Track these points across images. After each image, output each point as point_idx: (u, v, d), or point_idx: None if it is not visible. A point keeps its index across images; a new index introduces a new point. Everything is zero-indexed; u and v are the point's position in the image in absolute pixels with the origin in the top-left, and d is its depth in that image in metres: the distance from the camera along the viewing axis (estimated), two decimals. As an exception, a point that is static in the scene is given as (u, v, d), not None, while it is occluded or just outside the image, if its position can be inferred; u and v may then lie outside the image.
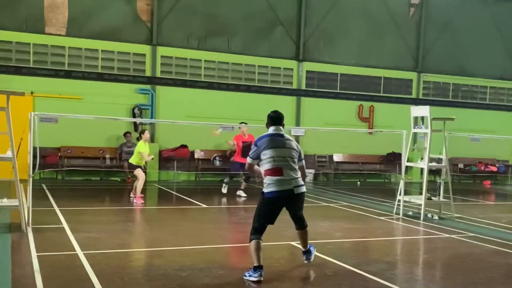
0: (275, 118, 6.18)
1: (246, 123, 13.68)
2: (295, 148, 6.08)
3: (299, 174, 6.03)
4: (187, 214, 10.85)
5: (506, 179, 22.06)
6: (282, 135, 6.08)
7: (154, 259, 6.72)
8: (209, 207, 11.70)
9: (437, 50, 21.00)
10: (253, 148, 6.07)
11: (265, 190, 5.95)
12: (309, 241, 6.53)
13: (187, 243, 7.66)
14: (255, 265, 5.75)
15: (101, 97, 16.28)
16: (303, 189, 6.07)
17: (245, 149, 13.41)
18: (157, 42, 17.16)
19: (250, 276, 5.73)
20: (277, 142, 5.98)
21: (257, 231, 5.93)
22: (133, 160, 12.01)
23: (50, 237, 7.59)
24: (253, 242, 5.86)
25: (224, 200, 13.11)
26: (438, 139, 11.13)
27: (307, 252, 6.50)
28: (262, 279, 5.67)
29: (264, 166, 5.96)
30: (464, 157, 21.10)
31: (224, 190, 13.66)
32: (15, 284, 5.29)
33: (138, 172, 11.87)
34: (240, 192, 13.38)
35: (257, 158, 6.04)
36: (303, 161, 6.25)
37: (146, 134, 12.14)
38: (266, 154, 5.93)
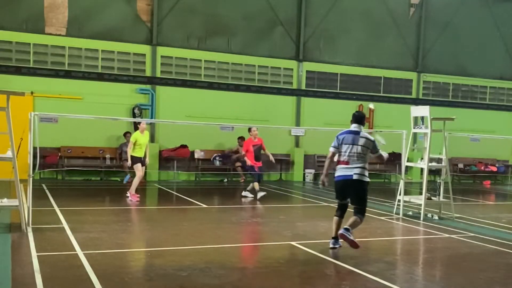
0: (357, 117, 7.50)
1: (256, 127, 13.48)
2: (366, 145, 7.28)
3: (363, 166, 7.27)
4: (187, 214, 10.85)
5: (506, 179, 22.05)
6: (358, 133, 7.34)
7: (154, 259, 6.71)
8: (209, 207, 11.69)
9: (437, 50, 21.00)
10: (335, 140, 7.47)
11: (335, 175, 7.45)
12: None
13: (187, 243, 7.66)
14: (332, 236, 7.35)
15: (101, 97, 16.29)
16: (362, 178, 7.25)
17: (256, 152, 13.30)
18: (157, 42, 17.16)
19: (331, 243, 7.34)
20: (351, 139, 7.29)
21: (337, 210, 7.54)
22: (132, 151, 12.01)
23: (50, 237, 7.59)
24: (334, 218, 7.48)
25: (245, 200, 13.11)
26: (438, 139, 11.13)
27: (346, 229, 7.13)
28: (332, 246, 7.27)
29: (339, 157, 7.39)
30: (464, 157, 21.11)
31: (262, 196, 13.11)
32: (15, 283, 5.29)
33: (137, 167, 11.87)
34: (247, 193, 13.30)
35: (337, 148, 7.42)
36: (379, 151, 7.51)
37: (142, 125, 12.14)
38: (341, 149, 7.34)
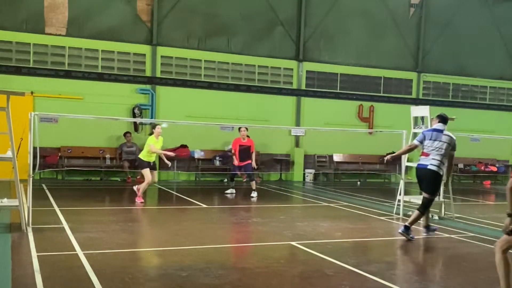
0: (443, 118, 8.53)
1: (246, 128, 13.69)
2: (448, 141, 8.27)
3: (440, 160, 8.19)
4: (187, 214, 10.85)
5: (506, 179, 22.02)
6: (441, 131, 8.36)
7: (154, 259, 6.72)
8: (209, 207, 11.69)
9: (437, 50, 21.00)
10: (420, 135, 8.55)
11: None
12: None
13: (187, 243, 7.66)
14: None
15: (101, 97, 16.28)
16: (434, 168, 8.15)
17: (241, 153, 13.44)
18: (157, 42, 17.16)
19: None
20: (434, 135, 8.33)
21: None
22: (142, 155, 11.75)
23: (50, 237, 7.59)
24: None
25: (226, 200, 13.13)
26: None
27: (406, 227, 8.27)
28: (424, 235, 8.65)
29: (422, 149, 8.41)
30: (464, 157, 21.09)
31: (228, 192, 13.80)
32: (15, 284, 5.29)
33: (145, 172, 11.59)
34: (252, 192, 13.36)
35: (421, 142, 8.45)
36: (454, 152, 8.43)
37: (157, 129, 11.79)
38: (426, 143, 8.38)
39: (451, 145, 8.30)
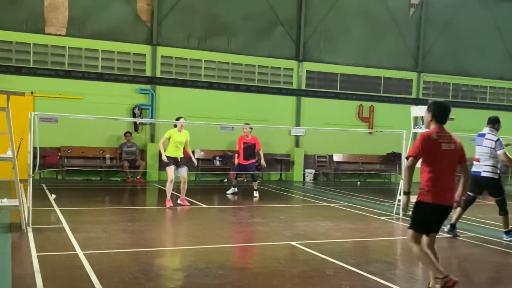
0: (488, 120, 8.62)
1: (251, 127, 13.65)
2: (488, 145, 8.36)
3: (491, 164, 8.35)
4: (187, 214, 10.84)
5: (506, 179, 22.04)
6: (484, 135, 8.46)
7: (154, 259, 6.71)
8: (209, 207, 11.69)
9: (437, 50, 21.00)
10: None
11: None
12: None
13: (187, 243, 7.66)
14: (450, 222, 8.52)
15: (101, 97, 16.28)
16: (488, 175, 8.38)
17: (246, 151, 13.41)
18: (157, 42, 17.16)
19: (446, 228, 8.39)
20: (478, 141, 8.43)
21: (464, 200, 8.41)
22: (168, 151, 11.23)
23: (50, 237, 7.59)
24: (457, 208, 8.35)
25: (227, 200, 13.13)
26: (438, 139, 11.11)
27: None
28: (446, 230, 8.48)
29: (476, 154, 8.47)
30: (464, 157, 21.08)
31: (230, 193, 13.80)
32: (15, 284, 5.29)
33: (168, 171, 11.10)
34: (254, 192, 13.37)
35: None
36: (498, 151, 8.32)
37: (179, 124, 11.15)
38: (476, 148, 8.44)
39: (493, 147, 8.28)
